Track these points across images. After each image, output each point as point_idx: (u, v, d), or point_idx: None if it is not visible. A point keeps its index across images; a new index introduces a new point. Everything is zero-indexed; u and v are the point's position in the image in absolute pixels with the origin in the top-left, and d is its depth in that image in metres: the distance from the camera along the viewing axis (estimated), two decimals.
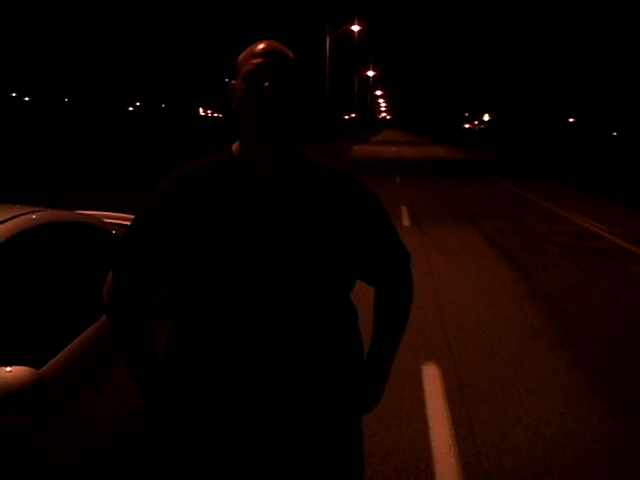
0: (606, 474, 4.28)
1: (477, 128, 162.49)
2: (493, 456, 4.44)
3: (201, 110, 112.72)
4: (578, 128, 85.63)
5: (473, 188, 23.82)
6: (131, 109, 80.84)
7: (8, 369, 2.45)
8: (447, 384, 5.60)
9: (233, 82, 2.00)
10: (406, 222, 14.59)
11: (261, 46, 1.94)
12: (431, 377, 5.75)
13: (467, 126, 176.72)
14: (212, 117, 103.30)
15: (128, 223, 3.52)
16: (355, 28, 63.09)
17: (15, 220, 3.19)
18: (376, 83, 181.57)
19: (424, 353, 6.28)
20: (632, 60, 73.67)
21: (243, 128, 1.98)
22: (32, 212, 3.40)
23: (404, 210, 16.35)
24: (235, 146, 2.05)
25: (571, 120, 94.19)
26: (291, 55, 1.99)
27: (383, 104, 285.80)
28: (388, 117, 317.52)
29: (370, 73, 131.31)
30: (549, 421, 4.97)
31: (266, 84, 1.89)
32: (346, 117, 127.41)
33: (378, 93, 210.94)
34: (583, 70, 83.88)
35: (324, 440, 2.11)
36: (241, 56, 1.99)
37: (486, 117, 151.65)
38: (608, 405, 5.30)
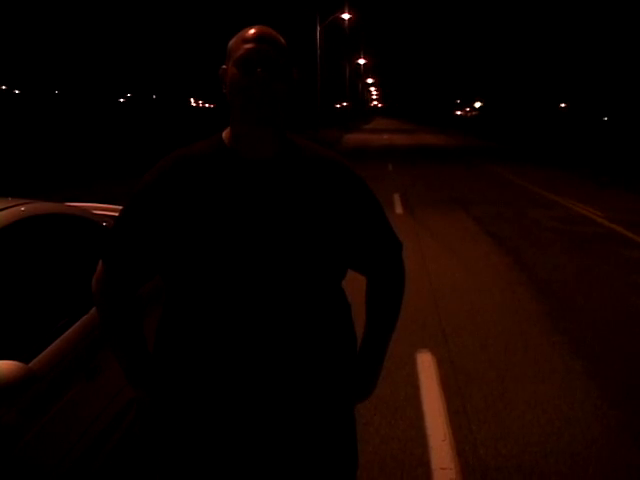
0: (602, 458, 4.27)
1: (468, 115, 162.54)
2: (489, 443, 4.43)
3: (192, 101, 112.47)
4: (570, 113, 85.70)
5: (465, 174, 23.84)
6: (122, 100, 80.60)
7: None
8: (441, 371, 5.59)
9: (224, 67, 1.98)
10: (399, 209, 14.56)
11: (252, 31, 1.93)
12: (425, 364, 5.73)
13: (459, 113, 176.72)
14: (203, 108, 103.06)
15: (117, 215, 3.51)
16: (345, 16, 62.82)
17: (3, 212, 3.15)
18: (367, 71, 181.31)
19: (418, 340, 6.27)
20: (623, 45, 73.68)
21: (234, 113, 1.96)
22: (21, 204, 3.36)
23: (396, 197, 16.33)
24: (225, 133, 2.03)
25: (563, 105, 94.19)
26: (282, 40, 1.97)
27: (375, 92, 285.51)
28: (380, 105, 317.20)
29: (361, 61, 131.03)
30: (544, 407, 4.96)
31: (258, 69, 1.87)
32: (337, 105, 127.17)
33: (369, 81, 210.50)
34: (574, 55, 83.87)
35: (317, 429, 2.08)
36: (232, 41, 1.97)
37: (477, 104, 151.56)
38: (603, 390, 5.29)
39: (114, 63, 64.39)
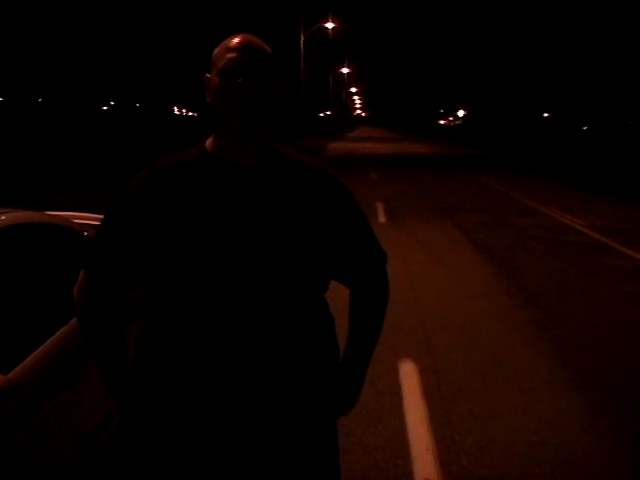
0: (587, 467, 4.27)
1: (452, 124, 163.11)
2: (473, 452, 4.42)
3: (176, 109, 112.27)
4: (553, 123, 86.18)
5: (449, 183, 23.88)
6: (105, 108, 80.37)
7: None
8: (425, 380, 5.57)
9: (208, 75, 1.97)
10: (382, 218, 14.54)
11: (237, 40, 1.92)
12: (408, 374, 5.71)
13: (442, 122, 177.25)
14: (187, 116, 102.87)
15: (99, 223, 3.48)
16: (329, 25, 63.01)
17: None
18: (351, 80, 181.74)
19: (401, 349, 6.25)
20: (605, 54, 74.28)
21: (218, 122, 1.95)
22: (0, 213, 3.32)
23: (380, 206, 16.30)
24: (209, 141, 2.02)
25: (546, 115, 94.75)
26: (268, 49, 1.96)
27: (358, 101, 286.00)
28: (363, 114, 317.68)
29: (345, 70, 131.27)
30: (530, 415, 4.95)
31: (240, 80, 1.86)
32: (321, 114, 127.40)
33: (353, 90, 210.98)
34: (557, 65, 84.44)
35: (299, 441, 2.07)
36: (217, 49, 1.96)
37: (461, 113, 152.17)
38: (589, 398, 5.29)
39: (97, 71, 64.26)
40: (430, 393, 5.33)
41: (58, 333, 3.21)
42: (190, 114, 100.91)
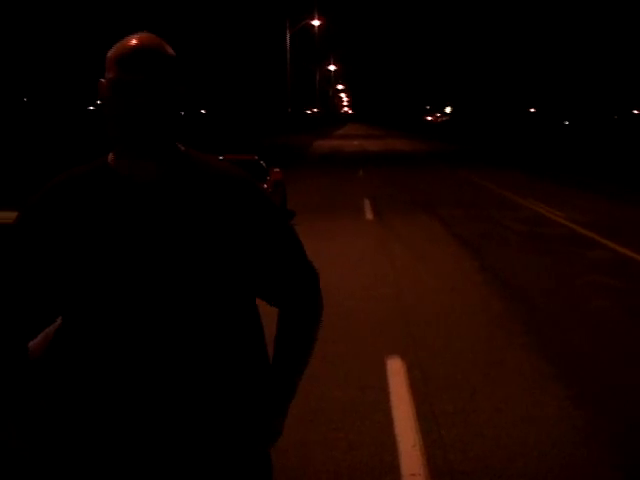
0: (568, 458, 4.31)
1: (438, 120, 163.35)
2: (458, 446, 4.45)
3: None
4: (539, 118, 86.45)
5: (434, 179, 24.02)
6: (92, 108, 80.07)
7: None
8: (411, 376, 5.60)
9: (102, 80, 1.78)
10: (369, 215, 14.65)
11: (129, 47, 1.72)
12: (395, 370, 5.74)
13: (429, 118, 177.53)
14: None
15: None
16: (315, 23, 63.05)
17: None
18: (338, 78, 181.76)
19: (387, 345, 6.28)
20: (592, 49, 74.59)
21: (112, 135, 1.77)
22: None
23: (367, 203, 16.39)
24: (111, 154, 1.85)
25: (532, 110, 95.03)
26: (168, 54, 1.77)
27: (345, 98, 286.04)
28: (350, 112, 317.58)
29: (331, 67, 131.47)
30: (511, 408, 5.00)
31: (124, 96, 1.70)
32: (308, 112, 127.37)
33: (340, 87, 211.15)
34: (544, 59, 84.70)
35: (216, 471, 1.87)
36: (110, 52, 1.76)
37: (447, 109, 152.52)
38: (568, 390, 5.34)
39: (84, 70, 64.03)
40: (416, 388, 5.36)
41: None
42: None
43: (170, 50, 1.79)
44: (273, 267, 1.92)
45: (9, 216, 3.54)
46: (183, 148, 1.89)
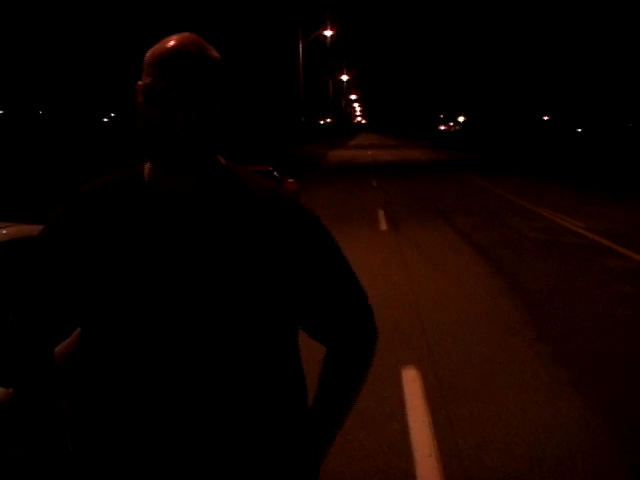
0: (586, 467, 4.29)
1: (452, 129, 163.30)
2: (474, 455, 4.44)
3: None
4: (553, 126, 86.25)
5: (448, 187, 23.97)
6: (106, 120, 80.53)
7: None
8: (427, 384, 5.60)
9: (139, 83, 1.60)
10: (383, 225, 14.62)
11: (167, 49, 1.55)
12: (410, 378, 5.74)
13: (442, 128, 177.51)
14: None
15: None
16: (328, 33, 63.19)
17: None
18: (351, 87, 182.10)
19: (403, 354, 6.28)
20: (606, 56, 74.37)
21: (145, 147, 1.62)
22: (2, 227, 3.37)
23: (381, 213, 16.39)
24: (147, 163, 1.71)
25: (546, 118, 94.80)
26: (208, 57, 1.58)
27: (358, 108, 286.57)
28: (363, 121, 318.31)
29: (344, 77, 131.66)
30: (529, 417, 4.98)
31: (157, 104, 1.54)
32: (321, 122, 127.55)
33: (353, 97, 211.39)
34: (558, 67, 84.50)
35: None
36: (147, 54, 1.59)
37: (461, 118, 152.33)
38: (587, 399, 5.32)
39: (98, 82, 64.40)
40: (431, 396, 5.36)
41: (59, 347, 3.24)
42: None
43: (214, 53, 1.61)
44: (324, 299, 1.72)
45: (26, 229, 3.58)
46: (224, 161, 1.73)
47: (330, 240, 1.75)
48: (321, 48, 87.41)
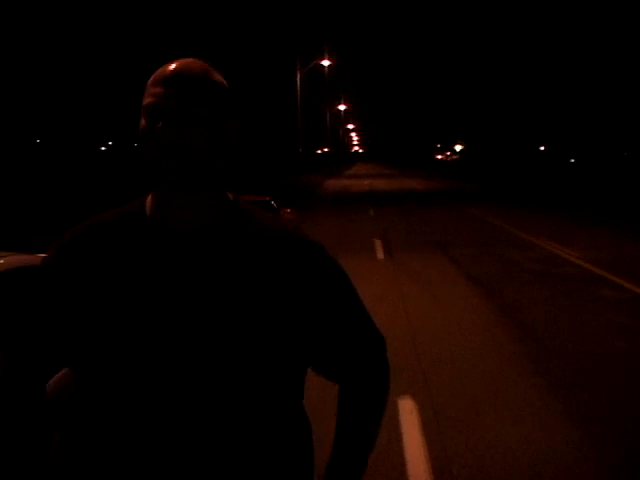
0: None
1: (449, 159, 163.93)
2: None
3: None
4: (549, 156, 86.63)
5: (445, 217, 24.06)
6: (103, 149, 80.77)
7: None
8: (423, 416, 5.58)
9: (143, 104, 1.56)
10: (380, 255, 14.68)
11: (167, 70, 1.51)
12: (407, 410, 5.73)
13: (439, 157, 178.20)
14: None
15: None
16: (325, 63, 63.69)
17: None
18: (348, 117, 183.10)
19: (399, 385, 6.26)
20: (602, 85, 74.91)
21: (149, 175, 1.55)
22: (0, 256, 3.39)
23: (378, 243, 16.43)
24: (150, 197, 1.63)
25: (542, 148, 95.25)
26: (210, 80, 1.54)
27: (355, 138, 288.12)
28: (361, 150, 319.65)
29: (342, 107, 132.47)
30: (525, 448, 4.97)
31: (159, 124, 1.46)
32: (319, 151, 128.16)
33: (350, 127, 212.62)
34: (554, 96, 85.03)
35: None
36: (151, 78, 1.55)
37: (458, 148, 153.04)
38: (583, 431, 5.31)
39: (95, 111, 64.66)
40: (428, 428, 5.34)
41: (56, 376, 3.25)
42: None
43: (218, 77, 1.57)
44: (338, 337, 1.67)
45: (24, 259, 3.61)
46: (232, 196, 1.66)
47: (343, 276, 1.69)
48: (319, 78, 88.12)
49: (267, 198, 14.87)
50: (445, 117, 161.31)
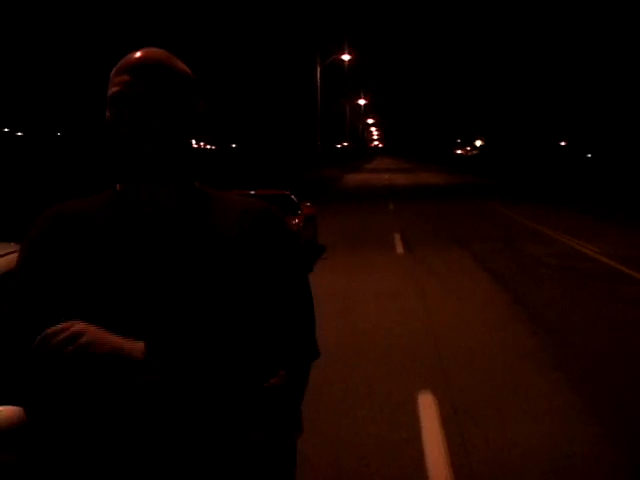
0: None
1: (469, 154, 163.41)
2: None
3: (193, 142, 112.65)
4: (570, 151, 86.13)
5: (464, 212, 23.97)
6: None
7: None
8: (442, 410, 5.58)
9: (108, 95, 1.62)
10: (399, 249, 14.66)
11: (132, 58, 1.58)
12: (426, 404, 5.72)
13: (459, 152, 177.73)
14: (205, 149, 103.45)
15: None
16: (345, 57, 63.57)
17: (9, 256, 3.20)
18: (368, 111, 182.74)
19: (419, 380, 6.27)
20: (622, 79, 74.34)
21: (118, 163, 1.62)
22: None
23: (397, 237, 16.41)
24: (118, 185, 1.70)
25: (563, 143, 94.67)
26: (174, 67, 1.61)
27: (375, 132, 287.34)
28: (380, 145, 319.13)
29: (361, 101, 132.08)
30: (545, 444, 4.95)
31: (126, 112, 1.53)
32: (338, 145, 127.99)
33: (370, 121, 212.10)
34: (575, 91, 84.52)
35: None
36: (114, 69, 1.61)
37: (478, 143, 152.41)
38: (603, 427, 5.28)
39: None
40: (447, 423, 5.34)
41: None
42: (208, 147, 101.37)
43: (180, 65, 1.64)
44: (273, 318, 1.63)
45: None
46: (198, 185, 1.74)
47: (300, 266, 1.73)
48: (339, 72, 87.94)
49: (287, 192, 14.86)
50: (465, 112, 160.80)
